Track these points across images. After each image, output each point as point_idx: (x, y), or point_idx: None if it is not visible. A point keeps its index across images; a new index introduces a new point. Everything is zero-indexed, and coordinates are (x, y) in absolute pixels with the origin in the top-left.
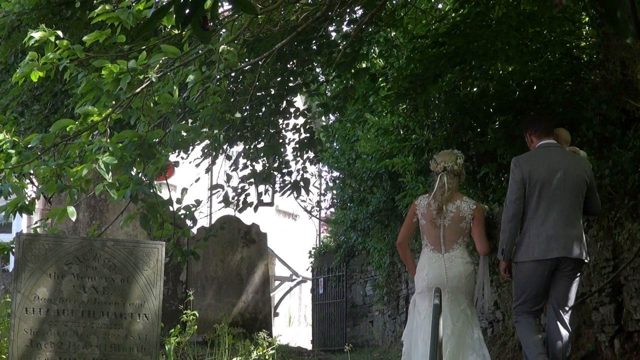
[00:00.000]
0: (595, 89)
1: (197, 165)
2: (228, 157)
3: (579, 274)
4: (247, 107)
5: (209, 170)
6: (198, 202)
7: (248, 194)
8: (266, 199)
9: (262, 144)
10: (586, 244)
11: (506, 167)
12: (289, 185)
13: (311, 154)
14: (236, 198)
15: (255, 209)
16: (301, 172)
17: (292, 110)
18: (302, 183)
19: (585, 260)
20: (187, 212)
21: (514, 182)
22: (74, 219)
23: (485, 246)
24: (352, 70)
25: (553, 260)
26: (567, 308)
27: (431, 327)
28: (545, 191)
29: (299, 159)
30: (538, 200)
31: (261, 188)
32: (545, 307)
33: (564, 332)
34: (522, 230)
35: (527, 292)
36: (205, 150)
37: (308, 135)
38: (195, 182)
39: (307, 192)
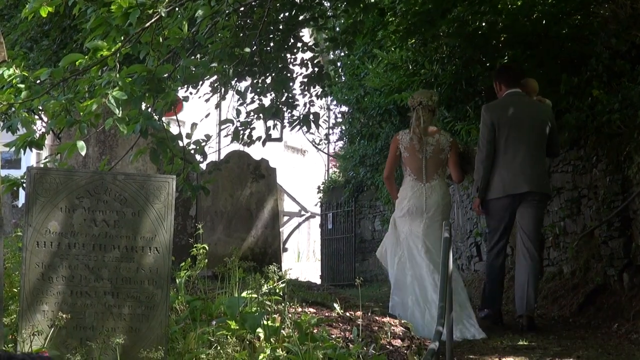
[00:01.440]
0: (604, 22)
1: (207, 101)
2: (238, 93)
3: (543, 206)
4: (256, 42)
5: (218, 106)
6: (208, 137)
7: (254, 128)
8: (275, 134)
9: (270, 79)
10: (549, 180)
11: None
12: (299, 120)
13: (319, 89)
14: (242, 132)
15: (264, 144)
16: (308, 105)
17: (299, 45)
18: (312, 117)
19: (549, 194)
20: (197, 147)
21: (484, 127)
22: (83, 153)
23: (460, 175)
24: (361, 5)
25: (521, 195)
26: (534, 238)
27: (442, 260)
28: (512, 134)
29: (306, 93)
30: (506, 142)
31: (270, 123)
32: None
33: (533, 260)
34: (493, 169)
35: (498, 225)
36: (215, 85)
37: (317, 69)
38: (205, 117)
39: (317, 126)
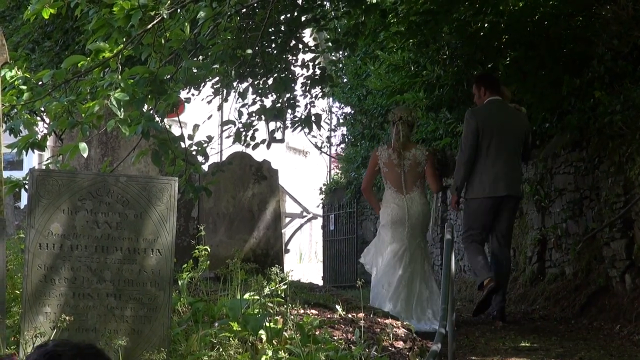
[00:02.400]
0: (606, 24)
1: (209, 103)
2: (240, 94)
3: (516, 209)
4: (258, 44)
5: (220, 107)
6: (210, 138)
7: (256, 130)
8: (277, 135)
9: (271, 80)
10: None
11: (517, 102)
12: (300, 121)
13: (319, 90)
14: (245, 134)
15: (268, 146)
16: (309, 106)
17: (301, 46)
18: (313, 118)
19: (521, 197)
20: (199, 148)
21: (469, 131)
22: (85, 154)
23: (438, 185)
24: (363, 6)
25: (499, 197)
26: (507, 241)
27: (444, 261)
28: (494, 139)
29: (307, 93)
30: (488, 147)
31: (272, 125)
32: (489, 238)
33: (507, 257)
34: (474, 171)
35: (476, 223)
36: (217, 86)
37: (319, 71)
38: (207, 119)
39: (319, 127)
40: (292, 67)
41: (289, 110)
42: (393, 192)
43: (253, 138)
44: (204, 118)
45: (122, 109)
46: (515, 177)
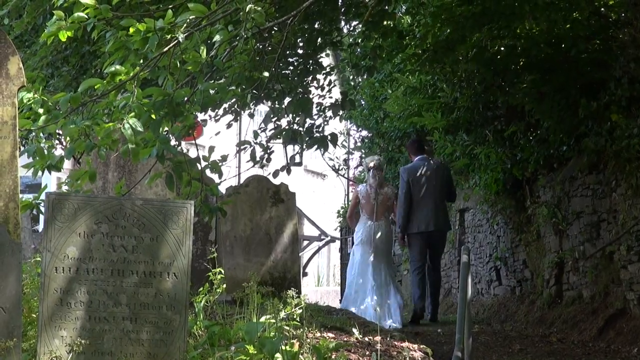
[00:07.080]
0: (623, 47)
1: (228, 127)
2: (251, 116)
3: (444, 238)
4: (274, 66)
5: (230, 126)
6: (224, 157)
7: (272, 152)
8: (295, 158)
9: (288, 102)
10: (449, 218)
11: (534, 125)
12: (316, 141)
13: (339, 114)
14: (262, 155)
15: (289, 172)
16: (323, 125)
17: (318, 67)
18: (329, 137)
19: (448, 230)
20: (214, 167)
21: (403, 183)
22: (92, 183)
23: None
24: (381, 29)
25: (428, 232)
26: (436, 263)
27: (460, 284)
28: (423, 187)
29: (322, 113)
30: (418, 194)
31: (291, 150)
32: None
33: (437, 276)
34: (411, 213)
35: (416, 253)
36: (232, 109)
37: (341, 96)
38: (215, 135)
39: (335, 145)
40: (309, 88)
41: (306, 134)
42: (366, 218)
43: (269, 160)
44: (221, 140)
45: (135, 136)
46: (440, 215)
